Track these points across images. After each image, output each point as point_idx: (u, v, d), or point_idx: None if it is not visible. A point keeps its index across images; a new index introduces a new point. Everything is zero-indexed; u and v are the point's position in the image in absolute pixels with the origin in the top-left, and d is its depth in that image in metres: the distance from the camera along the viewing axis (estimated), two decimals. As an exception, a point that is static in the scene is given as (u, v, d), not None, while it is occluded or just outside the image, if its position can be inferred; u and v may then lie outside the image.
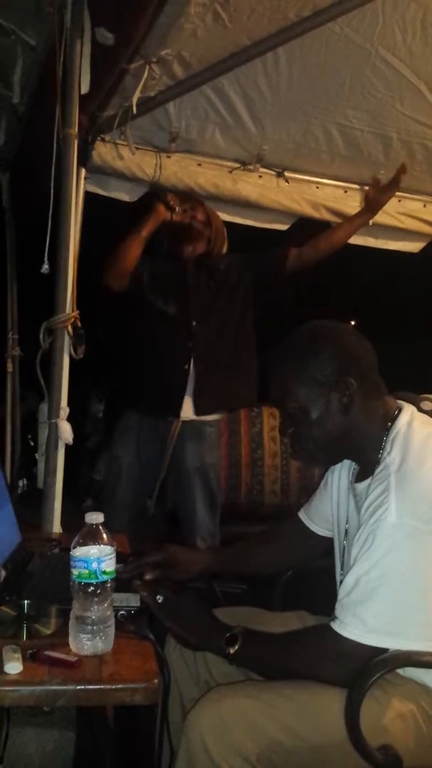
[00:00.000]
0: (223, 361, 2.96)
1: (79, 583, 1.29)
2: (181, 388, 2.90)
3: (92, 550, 1.30)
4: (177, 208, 2.89)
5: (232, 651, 1.42)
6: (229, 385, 2.99)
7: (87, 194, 2.88)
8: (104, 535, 1.32)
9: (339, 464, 1.70)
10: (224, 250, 3.08)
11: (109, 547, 1.31)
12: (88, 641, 1.29)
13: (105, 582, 1.30)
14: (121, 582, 1.45)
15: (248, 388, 3.07)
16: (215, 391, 2.94)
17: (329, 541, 1.77)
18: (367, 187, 3.33)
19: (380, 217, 3.38)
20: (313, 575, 1.85)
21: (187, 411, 2.91)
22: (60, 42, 2.19)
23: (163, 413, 2.93)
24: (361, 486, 1.53)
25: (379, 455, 1.48)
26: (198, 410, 2.91)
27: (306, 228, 3.50)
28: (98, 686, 1.22)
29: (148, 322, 2.94)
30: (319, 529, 1.81)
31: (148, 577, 1.61)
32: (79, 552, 1.30)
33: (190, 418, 2.92)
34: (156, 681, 1.24)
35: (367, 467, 1.53)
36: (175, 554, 1.79)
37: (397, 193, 3.39)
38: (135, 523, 2.98)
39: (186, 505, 2.98)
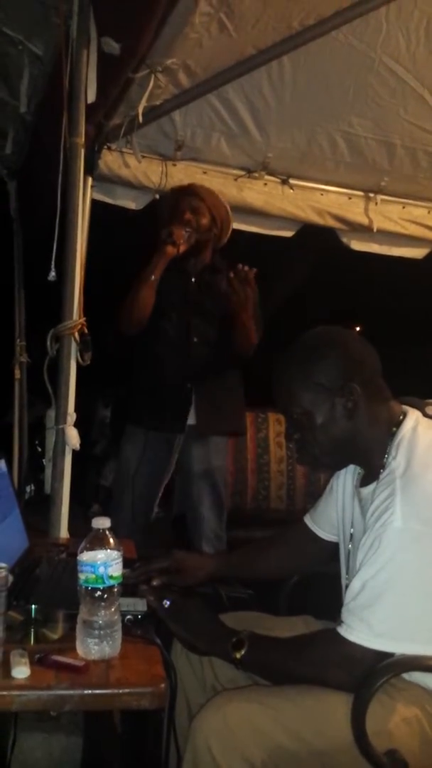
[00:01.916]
0: (220, 382, 3.00)
1: (86, 587, 1.30)
2: (184, 406, 2.92)
3: (99, 555, 1.30)
4: (183, 240, 2.85)
5: (238, 656, 1.42)
6: (227, 407, 3.03)
7: (93, 202, 2.90)
8: (111, 540, 1.33)
9: (344, 469, 1.70)
10: (230, 230, 3.06)
11: (115, 552, 1.32)
12: (95, 646, 1.29)
13: (112, 587, 1.30)
14: (128, 587, 1.45)
15: (241, 413, 3.14)
16: (216, 412, 2.97)
17: (335, 546, 1.77)
18: (371, 194, 3.35)
19: (384, 224, 3.40)
20: (318, 580, 1.86)
21: (192, 418, 2.93)
22: (66, 52, 2.21)
23: (168, 429, 2.96)
24: (367, 491, 1.54)
25: (384, 460, 1.48)
26: (201, 428, 2.94)
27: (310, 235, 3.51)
28: (105, 691, 1.23)
29: (150, 338, 2.95)
30: (325, 533, 1.81)
31: (155, 582, 1.62)
32: (86, 557, 1.31)
33: (195, 422, 2.93)
34: (163, 686, 1.24)
35: (372, 472, 1.53)
36: (181, 560, 1.79)
37: (402, 200, 3.41)
38: (141, 528, 2.99)
39: (193, 508, 2.99)
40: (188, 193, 2.96)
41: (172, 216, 2.94)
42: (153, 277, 2.83)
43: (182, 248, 2.84)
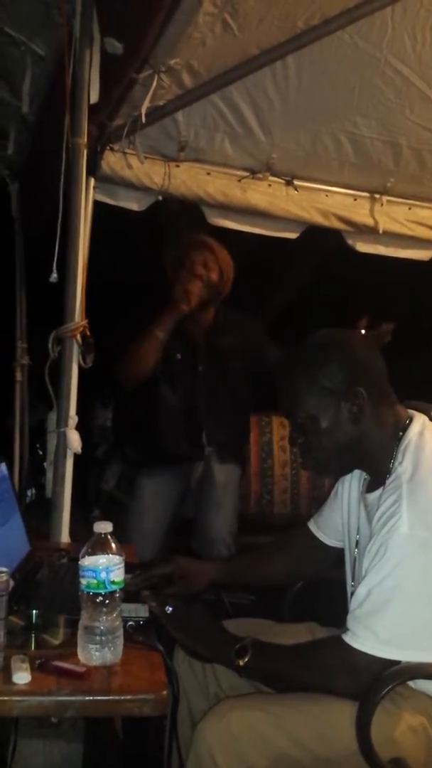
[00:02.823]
0: (232, 434, 3.06)
1: (88, 593, 1.29)
2: (195, 454, 2.98)
3: (101, 560, 1.30)
4: (196, 296, 2.82)
5: (241, 663, 1.41)
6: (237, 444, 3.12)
7: (95, 203, 2.89)
8: (113, 545, 1.32)
9: (349, 474, 1.69)
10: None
11: (117, 557, 1.31)
12: (97, 652, 1.28)
13: (113, 592, 1.29)
14: (130, 593, 1.44)
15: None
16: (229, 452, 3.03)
17: (339, 552, 1.75)
18: (377, 195, 3.34)
19: (390, 225, 3.38)
20: (323, 586, 1.84)
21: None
22: (69, 52, 2.20)
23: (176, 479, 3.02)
24: (373, 496, 1.52)
25: (390, 465, 1.47)
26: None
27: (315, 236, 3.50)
28: (107, 697, 1.22)
29: (151, 404, 2.96)
30: (329, 539, 1.80)
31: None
32: (87, 562, 1.30)
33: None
34: (165, 692, 1.24)
35: (378, 477, 1.52)
36: (183, 566, 1.78)
37: (408, 201, 3.39)
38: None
39: (207, 517, 3.00)
40: (201, 246, 2.95)
41: (181, 266, 2.93)
42: (161, 336, 2.79)
43: (194, 303, 2.82)
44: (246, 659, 1.41)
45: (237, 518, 3.10)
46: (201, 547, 2.97)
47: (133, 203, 3.13)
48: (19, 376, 3.63)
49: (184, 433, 2.95)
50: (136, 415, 3.08)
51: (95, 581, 1.28)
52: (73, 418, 2.24)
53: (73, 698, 1.20)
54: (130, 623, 1.42)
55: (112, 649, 1.29)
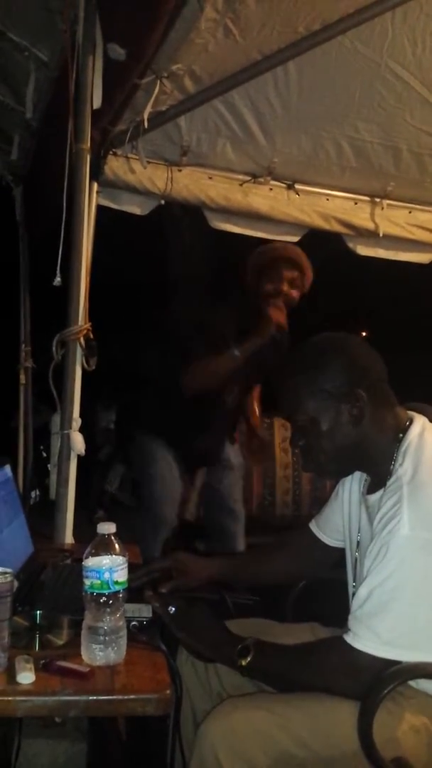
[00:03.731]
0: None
1: (92, 593, 1.29)
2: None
3: (104, 561, 1.30)
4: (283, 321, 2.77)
5: (244, 663, 1.42)
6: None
7: (99, 207, 2.90)
8: (116, 546, 1.33)
9: (350, 476, 1.69)
10: None
11: (121, 558, 1.32)
12: (101, 652, 1.29)
13: (117, 592, 1.30)
14: (133, 593, 1.45)
15: None
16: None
17: (340, 552, 1.76)
18: (377, 199, 3.34)
19: (391, 229, 3.39)
20: (325, 587, 1.85)
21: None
22: (72, 58, 2.22)
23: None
24: (373, 498, 1.53)
25: (391, 467, 1.47)
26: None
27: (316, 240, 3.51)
28: (110, 697, 1.22)
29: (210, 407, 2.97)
30: (330, 540, 1.80)
31: (162, 589, 1.61)
32: (91, 562, 1.31)
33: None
34: (168, 692, 1.24)
35: (378, 479, 1.52)
36: (183, 561, 1.78)
37: (408, 205, 3.41)
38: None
39: (223, 522, 3.04)
40: (290, 261, 2.88)
41: (267, 278, 2.87)
42: (240, 356, 2.74)
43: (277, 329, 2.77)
44: (248, 659, 1.41)
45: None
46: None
47: (136, 207, 3.15)
48: (23, 379, 3.64)
49: (219, 436, 2.99)
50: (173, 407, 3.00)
51: (99, 582, 1.29)
52: (76, 421, 2.25)
53: (76, 698, 1.20)
54: (134, 623, 1.42)
55: (115, 649, 1.30)
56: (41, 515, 2.39)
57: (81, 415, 2.28)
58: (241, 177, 3.19)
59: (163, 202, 3.13)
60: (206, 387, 2.84)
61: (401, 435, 1.50)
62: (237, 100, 2.71)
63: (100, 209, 2.89)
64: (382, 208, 3.38)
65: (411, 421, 1.52)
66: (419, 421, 1.52)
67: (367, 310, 9.63)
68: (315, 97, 2.68)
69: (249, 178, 3.19)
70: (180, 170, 3.08)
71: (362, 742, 1.31)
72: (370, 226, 3.38)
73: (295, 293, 2.88)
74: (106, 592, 1.29)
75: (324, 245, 3.44)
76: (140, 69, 2.26)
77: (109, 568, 1.29)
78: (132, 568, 1.40)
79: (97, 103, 2.26)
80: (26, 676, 1.21)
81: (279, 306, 2.80)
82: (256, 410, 3.27)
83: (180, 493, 3.00)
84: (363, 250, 3.53)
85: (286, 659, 1.46)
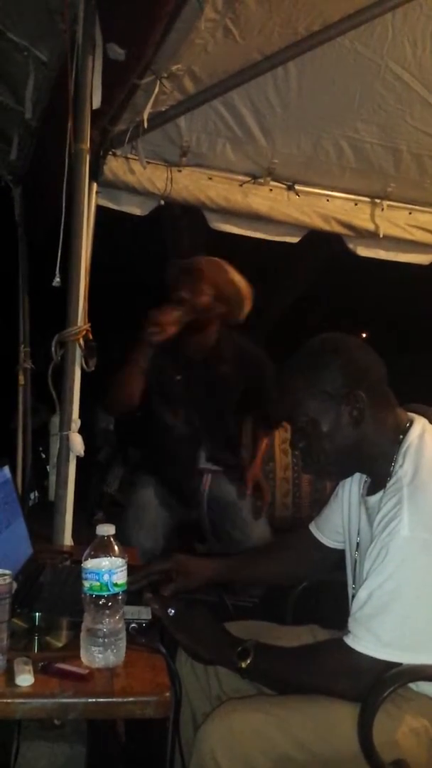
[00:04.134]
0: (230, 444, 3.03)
1: (91, 595, 1.29)
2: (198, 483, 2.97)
3: (103, 563, 1.30)
4: (171, 322, 2.72)
5: (244, 665, 1.41)
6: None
7: (98, 208, 2.90)
8: (115, 548, 1.33)
9: (350, 477, 1.69)
10: (245, 306, 2.93)
11: (120, 560, 1.32)
12: (100, 654, 1.28)
13: (116, 594, 1.30)
14: (132, 595, 1.44)
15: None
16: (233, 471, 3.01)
17: (339, 554, 1.76)
18: (377, 200, 3.34)
19: (391, 230, 3.39)
20: (324, 589, 1.84)
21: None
22: (72, 58, 2.21)
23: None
24: (373, 499, 1.53)
25: (391, 468, 1.47)
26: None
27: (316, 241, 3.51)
28: (109, 699, 1.22)
29: (158, 430, 2.95)
30: (330, 541, 1.80)
31: (163, 592, 1.61)
32: (90, 564, 1.30)
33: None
34: (167, 694, 1.24)
35: (378, 480, 1.52)
36: (183, 563, 1.78)
37: (408, 206, 3.41)
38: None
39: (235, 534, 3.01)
40: (189, 269, 2.87)
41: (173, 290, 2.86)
42: (140, 362, 2.74)
43: (171, 330, 2.71)
44: (248, 661, 1.41)
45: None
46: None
47: (136, 208, 3.15)
48: (22, 379, 3.64)
49: (183, 455, 2.94)
50: (138, 434, 3.06)
51: (98, 584, 1.29)
52: (75, 422, 2.24)
53: (75, 700, 1.20)
54: (133, 625, 1.42)
55: (114, 651, 1.29)
56: (40, 517, 2.38)
57: (80, 417, 2.27)
58: (240, 178, 3.18)
59: (162, 202, 3.13)
60: (122, 401, 2.82)
61: (401, 436, 1.50)
62: (237, 100, 2.71)
63: (100, 209, 2.89)
64: (383, 209, 3.37)
65: (411, 422, 1.52)
66: (419, 423, 1.52)
67: (367, 311, 9.63)
68: (315, 97, 2.68)
69: (249, 178, 3.19)
70: (180, 171, 3.07)
71: (362, 745, 1.31)
72: (370, 227, 3.38)
73: (203, 299, 2.79)
74: (105, 594, 1.29)
75: (324, 246, 3.44)
76: (140, 69, 2.26)
77: (108, 570, 1.29)
78: (131, 570, 1.40)
79: (96, 103, 2.26)
80: (25, 679, 1.21)
81: (165, 309, 2.76)
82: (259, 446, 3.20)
83: (163, 521, 2.95)
84: (363, 251, 3.53)
85: (285, 661, 1.45)
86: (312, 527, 1.85)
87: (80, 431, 2.25)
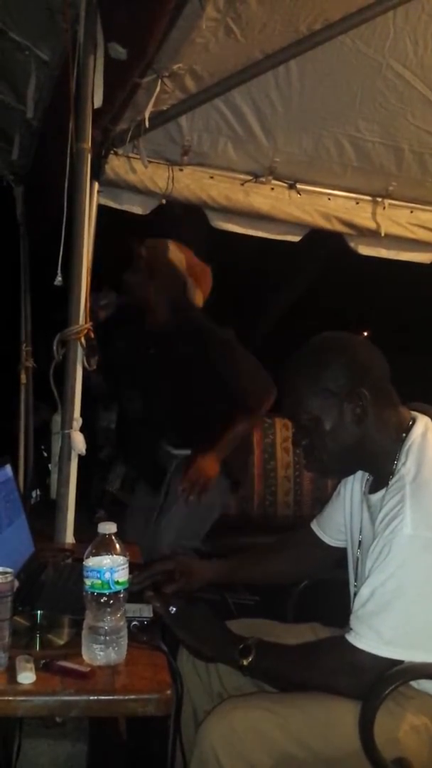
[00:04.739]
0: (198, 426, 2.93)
1: (92, 593, 1.29)
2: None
3: (105, 561, 1.30)
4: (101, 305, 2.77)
5: (245, 663, 1.42)
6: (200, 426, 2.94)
7: (99, 207, 2.90)
8: (117, 546, 1.33)
9: (352, 475, 1.69)
10: (195, 290, 2.94)
11: (121, 558, 1.32)
12: (101, 652, 1.29)
13: (118, 592, 1.30)
14: (134, 593, 1.45)
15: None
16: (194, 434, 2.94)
17: (341, 552, 1.76)
18: (379, 198, 3.34)
19: (392, 228, 3.39)
20: (326, 587, 1.85)
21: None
22: (73, 57, 2.21)
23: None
24: (376, 497, 1.53)
25: (394, 466, 1.48)
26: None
27: (318, 240, 3.51)
28: (111, 697, 1.22)
29: (123, 409, 2.97)
30: (332, 539, 1.80)
31: (166, 591, 1.61)
32: (92, 562, 1.30)
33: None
34: (169, 692, 1.24)
35: (381, 478, 1.52)
36: (185, 563, 1.78)
37: (410, 204, 3.41)
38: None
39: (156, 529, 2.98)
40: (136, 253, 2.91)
41: None
42: None
43: (101, 315, 2.76)
44: (250, 659, 1.41)
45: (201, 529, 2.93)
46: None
47: (137, 207, 3.15)
48: (23, 378, 3.64)
49: (147, 442, 2.94)
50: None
51: (99, 581, 1.29)
52: (77, 420, 2.24)
53: (77, 698, 1.20)
54: (134, 623, 1.42)
55: (116, 649, 1.30)
56: (42, 515, 2.38)
57: (82, 415, 2.28)
58: (242, 176, 3.18)
59: (164, 201, 3.13)
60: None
61: (404, 434, 1.50)
62: (238, 99, 2.71)
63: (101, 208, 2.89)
64: (384, 208, 3.37)
65: (414, 420, 1.52)
66: (422, 421, 1.52)
67: (369, 309, 9.62)
68: (316, 96, 2.68)
69: (250, 177, 3.19)
70: (181, 170, 3.07)
71: (363, 742, 1.31)
72: (372, 225, 3.38)
73: (134, 279, 2.89)
74: (106, 592, 1.29)
75: (325, 245, 3.43)
76: (141, 68, 2.26)
77: (109, 568, 1.29)
78: (132, 568, 1.40)
79: (98, 102, 2.26)
80: (27, 676, 1.21)
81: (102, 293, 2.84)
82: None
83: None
84: (364, 249, 3.53)
85: (287, 659, 1.46)
86: (314, 525, 1.85)
87: (82, 430, 2.25)
